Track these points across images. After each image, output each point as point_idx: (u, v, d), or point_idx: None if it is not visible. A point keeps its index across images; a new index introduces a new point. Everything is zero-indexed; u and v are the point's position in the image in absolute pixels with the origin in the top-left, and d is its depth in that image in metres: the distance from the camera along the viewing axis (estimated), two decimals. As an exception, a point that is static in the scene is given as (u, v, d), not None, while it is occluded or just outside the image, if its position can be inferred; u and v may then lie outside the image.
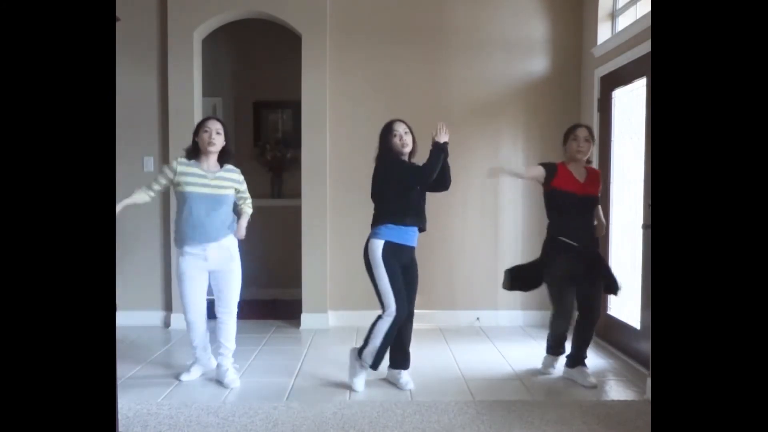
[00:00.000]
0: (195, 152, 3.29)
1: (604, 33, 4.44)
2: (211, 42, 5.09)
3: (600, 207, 3.56)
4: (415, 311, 4.64)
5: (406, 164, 3.27)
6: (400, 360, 3.39)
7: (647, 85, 3.66)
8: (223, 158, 3.34)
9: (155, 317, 4.73)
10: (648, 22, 3.55)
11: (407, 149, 3.28)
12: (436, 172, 3.16)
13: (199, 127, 3.28)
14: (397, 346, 3.36)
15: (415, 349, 4.06)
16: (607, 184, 4.29)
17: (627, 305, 4.06)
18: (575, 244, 3.35)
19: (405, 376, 3.36)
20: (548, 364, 3.64)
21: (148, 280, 4.72)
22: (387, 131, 3.31)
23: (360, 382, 3.30)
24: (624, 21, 4.26)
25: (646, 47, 3.60)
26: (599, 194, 3.49)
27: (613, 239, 4.25)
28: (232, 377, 3.37)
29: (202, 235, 3.22)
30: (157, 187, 3.31)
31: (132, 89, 4.59)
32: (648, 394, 3.20)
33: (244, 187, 3.42)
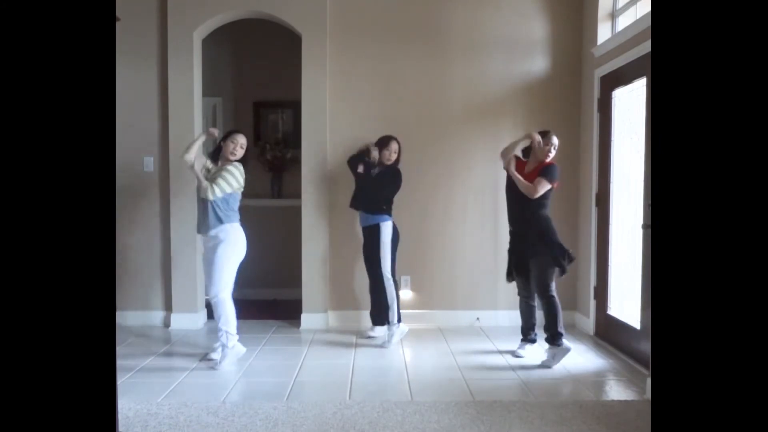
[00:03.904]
0: (215, 155, 3.75)
1: (604, 33, 4.44)
2: (211, 42, 5.09)
3: (539, 181, 3.70)
4: (416, 311, 4.78)
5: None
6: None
7: (647, 85, 3.67)
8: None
9: (155, 317, 4.73)
10: (648, 22, 3.55)
11: (389, 162, 4.24)
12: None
13: (228, 136, 3.72)
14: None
15: (415, 349, 4.10)
16: (607, 184, 4.29)
17: (627, 305, 4.06)
18: (511, 228, 3.93)
19: (377, 330, 4.35)
20: (519, 348, 4.01)
21: (148, 280, 4.72)
22: (382, 144, 4.23)
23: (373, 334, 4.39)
24: (624, 21, 4.26)
25: (646, 47, 3.60)
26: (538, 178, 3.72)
27: (613, 239, 4.26)
28: (220, 359, 3.66)
29: (201, 224, 3.69)
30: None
31: (132, 89, 4.59)
32: (648, 394, 3.20)
33: (224, 174, 3.60)
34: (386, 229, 4.19)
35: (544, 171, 3.72)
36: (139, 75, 4.61)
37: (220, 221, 3.62)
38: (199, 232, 3.78)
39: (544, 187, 3.68)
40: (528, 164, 3.84)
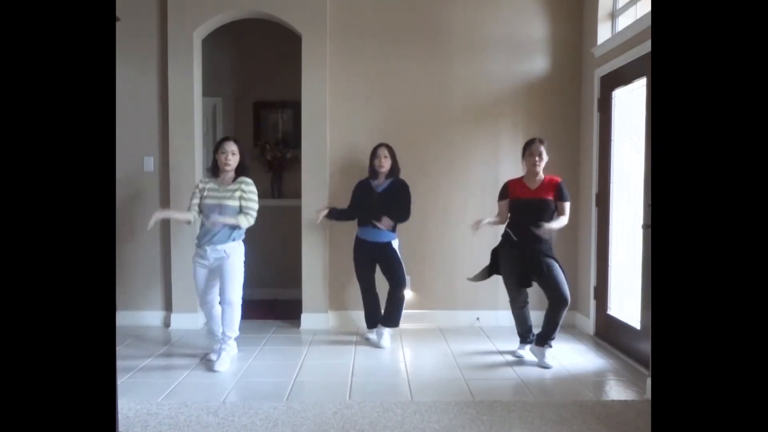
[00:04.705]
0: (215, 168, 3.75)
1: (604, 33, 4.44)
2: (211, 42, 5.09)
3: (561, 209, 3.73)
4: (416, 311, 4.77)
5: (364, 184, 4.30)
6: (378, 319, 4.33)
7: (647, 85, 3.67)
8: (240, 171, 3.74)
9: (155, 317, 4.73)
10: (648, 22, 3.55)
11: (382, 170, 4.18)
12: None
13: (218, 148, 3.71)
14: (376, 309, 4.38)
15: (415, 349, 4.11)
16: (607, 184, 4.29)
17: (627, 305, 4.06)
18: (515, 238, 3.79)
19: (380, 331, 4.26)
20: (519, 348, 4.00)
21: (148, 280, 4.72)
22: (371, 154, 4.23)
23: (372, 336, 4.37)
24: (624, 21, 4.26)
25: (646, 47, 3.60)
26: (554, 198, 3.72)
27: (613, 239, 4.26)
28: (219, 361, 3.64)
29: (207, 238, 3.64)
30: (195, 201, 3.74)
31: (132, 89, 4.59)
32: (648, 394, 3.20)
33: (248, 196, 3.67)
34: (396, 245, 4.22)
35: (562, 194, 3.71)
36: (139, 75, 4.61)
37: (232, 238, 3.64)
38: (201, 244, 3.67)
39: (568, 210, 3.74)
40: (528, 181, 3.79)
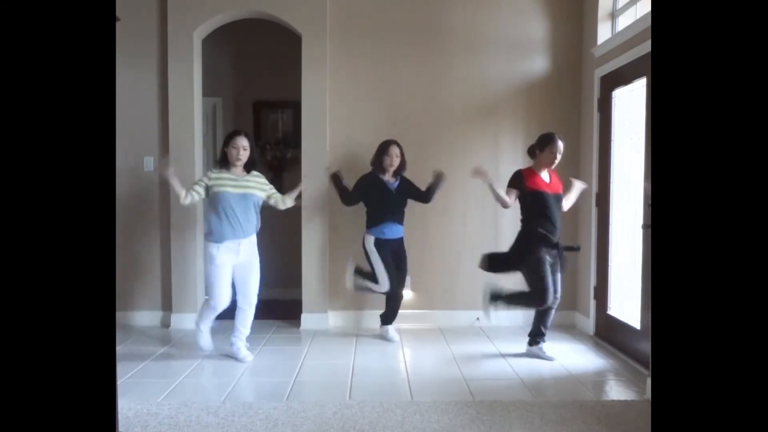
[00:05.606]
0: (224, 162, 3.75)
1: (604, 33, 4.44)
2: (211, 42, 5.09)
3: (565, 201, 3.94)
4: (416, 311, 4.78)
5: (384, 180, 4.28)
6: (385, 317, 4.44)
7: (647, 85, 3.67)
8: (249, 166, 3.79)
9: (155, 317, 4.73)
10: (648, 22, 3.56)
11: (392, 168, 4.25)
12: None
13: (229, 142, 3.73)
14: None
15: (415, 349, 4.10)
16: (607, 184, 4.30)
17: (627, 305, 4.06)
18: (551, 235, 3.76)
19: (391, 330, 4.37)
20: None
21: (148, 280, 4.72)
22: (382, 150, 4.24)
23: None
24: (624, 21, 4.26)
25: (646, 47, 3.61)
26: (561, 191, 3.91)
27: (613, 239, 4.26)
28: (245, 353, 3.81)
29: (239, 231, 3.67)
30: (199, 189, 3.71)
31: (132, 89, 4.59)
32: (648, 394, 3.20)
33: (270, 187, 3.89)
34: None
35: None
36: (139, 75, 4.61)
37: (254, 231, 3.77)
38: (228, 237, 3.63)
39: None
40: (543, 174, 3.84)
